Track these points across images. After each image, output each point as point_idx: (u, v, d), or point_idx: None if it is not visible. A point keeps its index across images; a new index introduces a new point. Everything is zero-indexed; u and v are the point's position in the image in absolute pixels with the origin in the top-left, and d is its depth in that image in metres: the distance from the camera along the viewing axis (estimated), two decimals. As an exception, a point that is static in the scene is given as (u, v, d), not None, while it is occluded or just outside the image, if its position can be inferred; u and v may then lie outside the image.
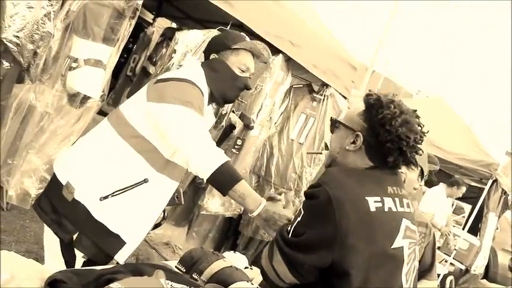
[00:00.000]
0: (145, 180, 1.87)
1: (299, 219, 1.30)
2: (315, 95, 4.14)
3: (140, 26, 5.09)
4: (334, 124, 1.54)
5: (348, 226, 1.23)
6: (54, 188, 1.93)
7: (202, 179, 1.71)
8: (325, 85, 4.11)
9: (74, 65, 2.38)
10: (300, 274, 1.28)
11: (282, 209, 1.62)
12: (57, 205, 1.90)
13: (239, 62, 1.97)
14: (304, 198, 1.37)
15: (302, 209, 1.31)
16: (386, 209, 1.33)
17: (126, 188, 1.85)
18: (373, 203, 1.30)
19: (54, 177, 1.95)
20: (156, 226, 2.35)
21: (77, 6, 2.26)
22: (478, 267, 6.40)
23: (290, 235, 1.31)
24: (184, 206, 3.76)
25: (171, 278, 1.72)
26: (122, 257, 1.93)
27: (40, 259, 3.23)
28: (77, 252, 1.94)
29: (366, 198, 1.29)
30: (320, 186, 1.29)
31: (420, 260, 2.12)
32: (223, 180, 1.64)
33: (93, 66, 2.39)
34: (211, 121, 2.16)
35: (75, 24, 2.36)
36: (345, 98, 4.25)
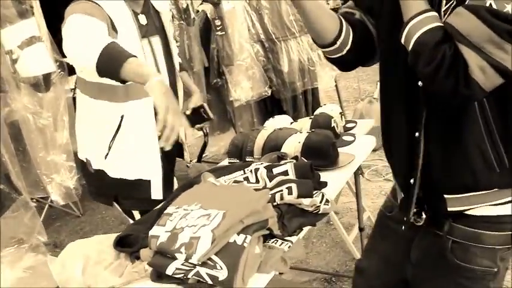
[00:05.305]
0: (122, 117, 1.78)
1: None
2: None
3: None
4: None
5: None
6: (83, 169, 1.99)
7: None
8: None
9: (14, 56, 2.28)
10: None
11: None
12: (92, 183, 1.98)
13: None
14: None
15: None
16: None
17: (114, 135, 1.79)
18: None
19: (81, 162, 1.99)
20: (204, 146, 2.26)
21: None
22: None
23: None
24: (215, 117, 3.60)
25: (223, 174, 1.72)
26: (157, 193, 1.86)
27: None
28: None
29: None
30: None
31: None
32: (111, 63, 1.45)
33: (30, 45, 2.29)
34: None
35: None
36: None
